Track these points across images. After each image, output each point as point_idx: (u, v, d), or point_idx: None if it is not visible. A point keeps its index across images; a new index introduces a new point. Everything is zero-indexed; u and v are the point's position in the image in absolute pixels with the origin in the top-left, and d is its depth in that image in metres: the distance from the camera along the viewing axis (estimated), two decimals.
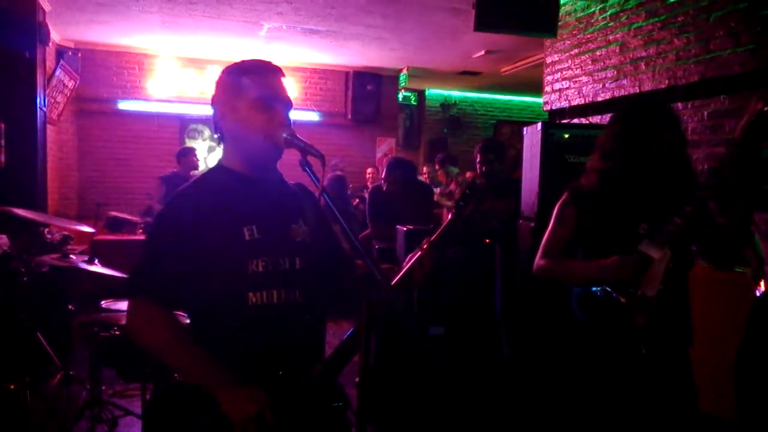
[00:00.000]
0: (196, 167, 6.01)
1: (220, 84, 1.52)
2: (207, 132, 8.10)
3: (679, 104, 4.03)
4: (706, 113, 3.85)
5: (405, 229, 3.54)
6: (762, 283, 2.90)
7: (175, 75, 7.99)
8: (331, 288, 1.69)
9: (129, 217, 6.64)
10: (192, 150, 6.14)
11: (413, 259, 1.50)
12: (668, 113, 2.02)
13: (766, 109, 1.75)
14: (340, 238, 1.72)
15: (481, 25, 4.18)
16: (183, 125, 8.14)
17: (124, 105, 7.89)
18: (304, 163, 1.43)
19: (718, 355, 3.12)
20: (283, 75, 1.54)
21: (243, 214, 1.46)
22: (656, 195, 1.97)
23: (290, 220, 1.54)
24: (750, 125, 1.75)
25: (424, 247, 1.50)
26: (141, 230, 6.61)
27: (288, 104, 1.51)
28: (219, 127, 1.53)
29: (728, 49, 3.65)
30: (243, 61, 1.54)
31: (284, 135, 1.44)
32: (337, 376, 1.52)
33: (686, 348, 2.05)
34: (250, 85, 1.47)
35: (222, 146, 1.57)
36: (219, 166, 1.57)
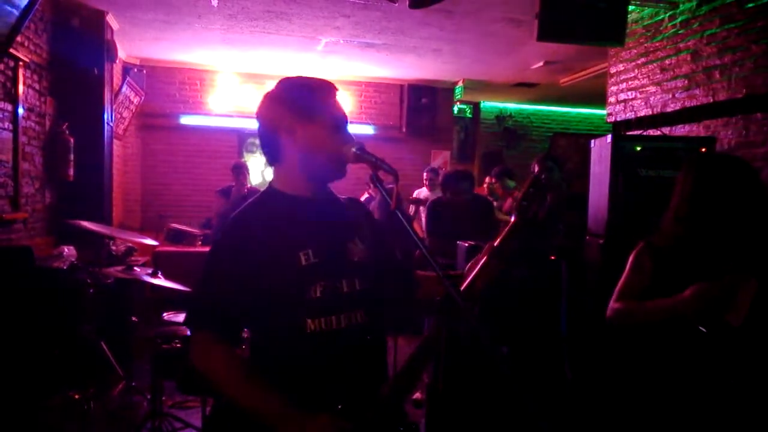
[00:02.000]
0: (245, 182, 6.11)
1: (280, 101, 1.46)
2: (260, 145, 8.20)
3: (759, 114, 3.80)
4: None
5: (467, 245, 3.44)
6: None
7: (235, 90, 8.16)
8: (393, 306, 1.64)
9: (189, 229, 6.80)
10: (243, 165, 6.25)
11: (477, 268, 1.41)
12: (743, 170, 1.92)
13: None
14: (396, 252, 1.67)
15: (544, 35, 4.06)
16: (241, 139, 8.29)
17: (185, 120, 8.11)
18: (375, 180, 1.39)
19: None
20: (338, 92, 1.52)
21: (298, 239, 1.41)
22: (735, 248, 1.89)
23: (346, 239, 1.48)
24: None
25: (487, 255, 1.41)
26: (200, 242, 6.75)
27: (348, 122, 1.48)
28: (276, 145, 1.46)
29: None
30: (304, 79, 1.49)
31: (353, 149, 1.40)
32: (405, 398, 1.45)
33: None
34: (321, 105, 1.43)
35: (274, 166, 1.50)
36: (272, 190, 1.51)
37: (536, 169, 3.96)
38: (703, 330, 1.81)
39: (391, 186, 1.40)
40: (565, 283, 3.40)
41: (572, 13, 4.06)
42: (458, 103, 8.98)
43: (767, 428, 1.86)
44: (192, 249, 6.24)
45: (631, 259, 2.05)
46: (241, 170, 6.03)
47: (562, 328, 3.40)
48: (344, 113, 1.47)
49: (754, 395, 1.87)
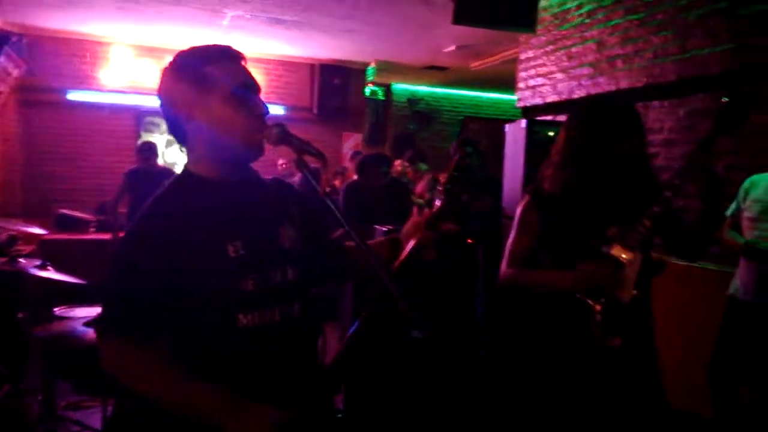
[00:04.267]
0: (155, 164, 5.68)
1: (175, 75, 1.27)
2: (164, 125, 7.73)
3: (656, 102, 4.02)
4: (682, 112, 3.84)
5: (385, 229, 3.39)
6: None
7: (131, 64, 7.60)
8: (327, 286, 1.56)
9: (80, 214, 6.29)
10: (153, 145, 5.79)
11: (409, 247, 1.43)
12: (629, 114, 1.91)
13: (724, 100, 1.72)
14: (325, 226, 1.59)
15: (459, 18, 4.05)
16: (139, 117, 7.75)
17: (74, 95, 7.46)
18: (300, 164, 1.26)
19: (683, 349, 3.13)
20: (246, 60, 1.33)
21: (224, 229, 1.27)
22: (620, 198, 1.90)
23: (276, 225, 1.36)
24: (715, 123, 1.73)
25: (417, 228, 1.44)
26: (94, 229, 6.27)
27: (260, 92, 1.31)
28: (179, 125, 1.29)
29: (706, 48, 3.64)
30: (201, 48, 1.29)
31: (274, 130, 1.26)
32: (338, 388, 1.39)
33: (653, 347, 1.97)
34: (220, 75, 1.25)
35: (185, 148, 1.33)
36: (188, 174, 1.33)
37: (455, 152, 3.96)
38: (595, 306, 1.81)
39: (314, 166, 1.33)
40: (481, 266, 3.45)
41: None
42: (370, 84, 8.90)
43: (653, 404, 1.94)
44: (84, 236, 5.78)
45: (517, 216, 2.02)
46: (150, 150, 5.60)
47: (477, 309, 3.45)
48: (249, 80, 1.29)
49: (642, 372, 1.93)
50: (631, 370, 1.90)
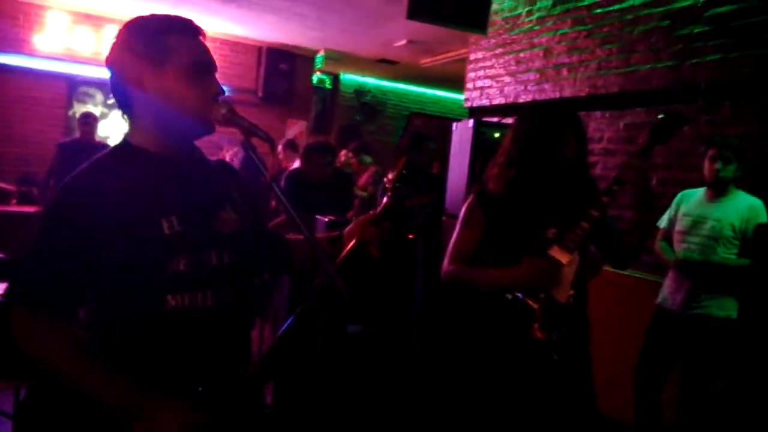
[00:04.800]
0: (93, 137, 5.39)
1: (126, 44, 1.21)
2: (99, 96, 7.37)
3: (598, 113, 4.15)
4: (622, 124, 3.98)
5: (326, 219, 3.35)
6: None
7: (67, 30, 7.17)
8: (265, 277, 1.52)
9: (2, 185, 5.92)
10: (92, 115, 5.49)
11: (353, 242, 1.44)
12: (573, 120, 1.99)
13: (660, 116, 1.84)
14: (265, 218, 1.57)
15: (413, 13, 4.06)
16: (72, 86, 7.33)
17: (3, 59, 6.96)
18: (247, 146, 1.22)
19: (612, 356, 3.26)
20: (206, 37, 1.29)
21: (160, 204, 1.21)
22: (561, 200, 1.97)
23: (217, 207, 1.31)
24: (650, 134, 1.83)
25: (362, 226, 1.46)
26: (16, 200, 5.92)
27: (216, 71, 1.27)
28: (127, 95, 1.23)
29: (648, 63, 3.78)
30: (161, 16, 1.24)
31: (222, 111, 1.22)
32: (268, 381, 1.36)
33: (588, 351, 2.04)
34: (179, 48, 1.20)
35: (129, 119, 1.27)
36: (126, 145, 1.27)
37: (407, 147, 3.97)
38: (533, 305, 1.86)
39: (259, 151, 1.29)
40: (421, 261, 3.47)
41: None
42: (318, 72, 8.79)
43: (583, 396, 2.00)
44: (6, 208, 5.43)
45: (462, 214, 2.05)
46: (91, 120, 5.31)
47: (416, 303, 3.47)
48: (208, 58, 1.25)
49: (575, 375, 1.99)
50: (565, 371, 1.94)
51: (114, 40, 1.23)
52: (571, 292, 1.89)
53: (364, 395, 3.17)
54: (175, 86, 1.20)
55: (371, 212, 1.49)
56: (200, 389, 1.20)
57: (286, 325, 1.35)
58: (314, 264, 1.44)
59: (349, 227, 1.50)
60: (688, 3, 3.51)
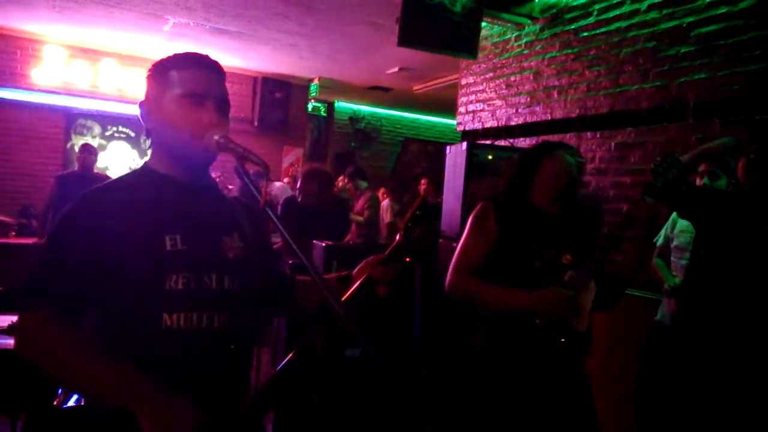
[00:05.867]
0: (92, 169, 5.43)
1: (149, 78, 1.34)
2: (97, 128, 7.44)
3: (589, 134, 4.20)
4: (613, 144, 4.03)
5: (324, 244, 3.36)
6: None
7: (64, 65, 7.27)
8: (266, 311, 1.52)
9: (1, 217, 5.94)
10: (94, 150, 5.54)
11: (362, 279, 1.40)
12: (568, 148, 2.10)
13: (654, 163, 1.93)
14: (277, 257, 1.57)
15: (404, 40, 4.13)
16: (70, 119, 7.41)
17: (2, 93, 7.06)
18: (240, 172, 1.24)
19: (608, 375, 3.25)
20: (220, 73, 1.35)
21: (166, 221, 1.26)
22: (562, 226, 2.00)
23: (223, 232, 1.34)
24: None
25: (371, 265, 1.42)
26: (14, 233, 5.93)
27: (222, 103, 1.32)
28: (146, 119, 1.35)
29: (636, 84, 3.85)
30: (176, 54, 1.35)
31: (216, 137, 1.26)
32: (266, 412, 1.35)
33: (584, 373, 2.05)
34: (178, 79, 1.29)
35: (150, 147, 1.38)
36: (144, 168, 1.37)
37: (423, 187, 4.02)
38: (555, 333, 1.86)
39: (256, 177, 1.30)
40: (419, 285, 3.47)
41: (432, 22, 4.18)
42: (313, 100, 8.89)
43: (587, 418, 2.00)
44: (4, 240, 5.44)
45: (473, 220, 1.99)
46: (91, 152, 5.35)
47: (415, 327, 3.46)
48: (203, 88, 1.29)
49: (578, 389, 2.01)
50: (571, 394, 1.96)
51: (148, 75, 1.36)
52: (590, 321, 1.89)
53: (364, 421, 3.14)
54: (171, 114, 1.28)
55: (380, 254, 1.46)
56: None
57: (286, 360, 1.33)
58: (321, 307, 1.41)
59: (358, 266, 1.48)
60: (673, 23, 3.59)
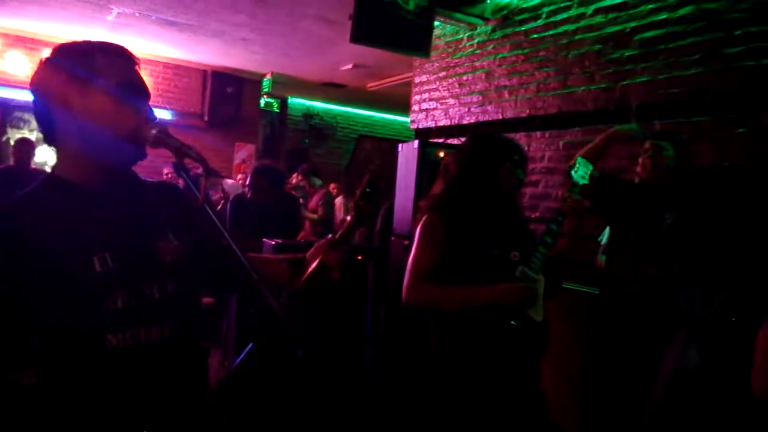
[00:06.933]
0: (29, 164, 5.15)
1: (56, 65, 1.16)
2: (35, 121, 7.11)
3: (538, 133, 4.28)
4: (561, 143, 4.11)
5: (274, 242, 3.31)
6: None
7: (0, 54, 6.93)
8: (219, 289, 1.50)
9: None
10: (29, 142, 5.25)
11: (315, 264, 1.42)
12: (517, 148, 2.15)
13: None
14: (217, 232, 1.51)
15: (357, 37, 4.11)
16: (6, 111, 7.08)
17: None
18: (179, 168, 1.18)
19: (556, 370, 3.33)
20: (140, 65, 1.25)
21: (90, 240, 1.15)
22: (504, 224, 2.09)
23: (156, 236, 1.24)
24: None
25: (327, 247, 1.46)
26: None
27: (149, 98, 1.24)
28: (51, 119, 1.18)
29: (583, 86, 3.94)
30: (87, 41, 1.20)
31: (153, 131, 1.17)
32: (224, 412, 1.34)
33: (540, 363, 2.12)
34: (108, 67, 1.16)
35: (55, 148, 1.21)
36: (53, 178, 1.20)
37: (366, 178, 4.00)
38: (515, 324, 1.93)
39: (196, 173, 1.23)
40: (371, 283, 3.46)
41: (385, 20, 4.18)
42: (265, 96, 8.76)
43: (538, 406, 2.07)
44: None
45: (422, 232, 2.04)
46: (28, 146, 5.07)
47: (366, 325, 3.46)
48: (140, 82, 1.21)
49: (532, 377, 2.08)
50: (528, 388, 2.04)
51: (39, 63, 1.18)
52: (544, 311, 2.00)
53: (313, 419, 3.11)
54: (102, 106, 1.15)
55: (331, 235, 1.49)
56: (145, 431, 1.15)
57: (239, 359, 1.33)
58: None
59: (311, 250, 1.48)
60: (618, 28, 3.69)
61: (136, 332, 1.16)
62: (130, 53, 1.22)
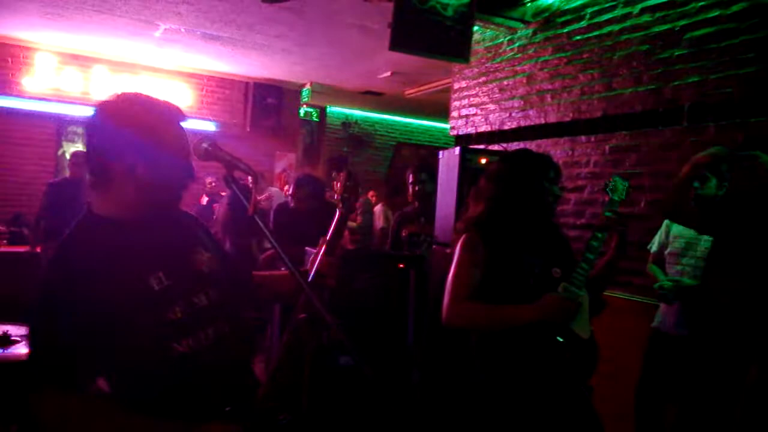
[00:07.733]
0: (83, 175, 5.33)
1: (116, 123, 1.28)
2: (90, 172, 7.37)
3: (583, 137, 4.18)
4: (607, 147, 4.01)
5: (315, 250, 3.31)
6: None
7: (55, 72, 7.22)
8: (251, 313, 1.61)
9: None
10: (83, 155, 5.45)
11: (317, 260, 1.55)
12: (552, 164, 2.13)
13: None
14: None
15: (396, 44, 4.10)
16: (61, 127, 7.36)
17: None
18: (230, 180, 1.32)
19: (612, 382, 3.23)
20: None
21: (144, 264, 1.28)
22: (542, 239, 2.06)
23: (191, 252, 1.40)
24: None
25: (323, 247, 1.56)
26: (5, 241, 5.87)
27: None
28: (105, 172, 1.29)
29: (630, 87, 3.83)
30: (148, 101, 1.33)
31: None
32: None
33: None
34: (166, 134, 1.31)
35: (102, 191, 1.31)
36: (95, 218, 1.32)
37: (410, 178, 4.01)
38: (561, 340, 1.89)
39: (244, 184, 1.37)
40: (413, 291, 3.43)
41: (424, 26, 4.16)
42: (305, 105, 8.87)
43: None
44: None
45: (461, 252, 2.01)
46: (79, 160, 5.28)
47: (408, 334, 3.43)
48: (188, 143, 1.36)
49: (583, 396, 2.02)
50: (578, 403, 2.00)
51: (99, 111, 1.30)
52: (591, 328, 1.97)
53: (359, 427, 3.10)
54: (162, 170, 1.29)
55: (321, 243, 1.59)
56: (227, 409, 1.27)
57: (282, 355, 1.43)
58: (298, 297, 1.50)
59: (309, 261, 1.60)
60: (666, 27, 3.58)
61: (197, 337, 1.28)
62: (181, 111, 1.37)
